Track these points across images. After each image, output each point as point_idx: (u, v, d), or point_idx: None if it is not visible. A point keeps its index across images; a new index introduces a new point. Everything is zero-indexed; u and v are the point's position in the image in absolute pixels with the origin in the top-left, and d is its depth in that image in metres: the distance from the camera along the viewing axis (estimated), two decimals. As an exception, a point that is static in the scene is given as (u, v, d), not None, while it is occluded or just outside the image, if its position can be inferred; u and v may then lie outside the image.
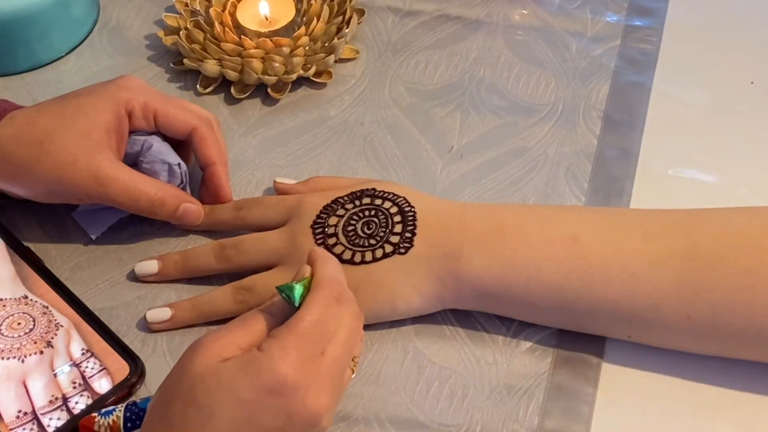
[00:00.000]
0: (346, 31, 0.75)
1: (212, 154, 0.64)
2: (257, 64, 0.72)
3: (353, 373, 0.54)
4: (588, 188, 0.67)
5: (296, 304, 0.50)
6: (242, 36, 0.74)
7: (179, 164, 0.63)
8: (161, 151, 0.63)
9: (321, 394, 0.48)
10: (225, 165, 0.65)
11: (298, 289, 0.50)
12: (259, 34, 0.74)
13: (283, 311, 0.50)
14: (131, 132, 0.63)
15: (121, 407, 0.54)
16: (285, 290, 0.50)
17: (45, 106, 0.62)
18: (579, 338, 0.58)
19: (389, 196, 0.61)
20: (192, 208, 0.63)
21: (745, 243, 0.54)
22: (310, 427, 0.48)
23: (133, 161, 0.63)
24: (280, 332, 0.48)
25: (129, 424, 0.53)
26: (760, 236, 0.54)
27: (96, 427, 0.54)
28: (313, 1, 0.77)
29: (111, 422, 0.54)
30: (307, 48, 0.74)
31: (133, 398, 0.56)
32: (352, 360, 0.53)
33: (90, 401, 0.56)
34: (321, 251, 0.53)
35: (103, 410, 0.54)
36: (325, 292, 0.50)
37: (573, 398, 0.57)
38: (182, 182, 0.64)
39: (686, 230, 0.55)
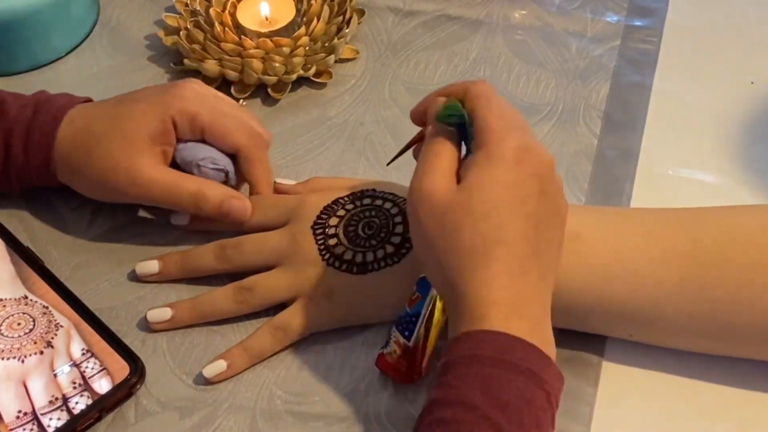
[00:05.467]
0: (346, 31, 0.75)
1: (256, 175, 0.63)
2: (257, 64, 0.72)
3: None
4: (588, 188, 0.67)
5: (464, 114, 0.53)
6: (242, 36, 0.74)
7: (226, 171, 0.63)
8: (204, 148, 0.63)
9: (543, 147, 0.53)
10: (269, 186, 0.64)
11: (456, 104, 0.54)
12: (259, 34, 0.74)
13: (451, 132, 0.54)
14: (186, 140, 0.63)
15: (393, 330, 0.56)
16: (446, 111, 0.53)
17: (102, 109, 0.63)
18: (579, 338, 0.58)
19: (390, 197, 0.62)
20: (237, 203, 0.62)
21: (745, 240, 0.54)
22: (552, 175, 0.52)
23: (186, 166, 0.63)
24: (486, 126, 0.52)
25: (407, 333, 0.55)
26: (761, 234, 0.54)
27: (389, 359, 0.56)
28: (313, 1, 0.77)
29: (395, 344, 0.56)
30: (307, 48, 0.74)
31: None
32: None
33: (90, 401, 0.56)
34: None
35: (383, 345, 0.57)
36: (487, 91, 0.54)
37: (573, 398, 0.57)
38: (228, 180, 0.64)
39: (687, 228, 0.55)
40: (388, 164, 0.62)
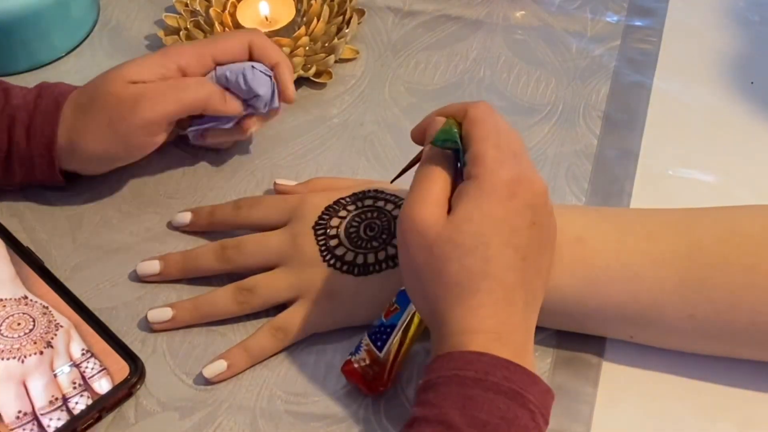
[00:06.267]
0: (346, 31, 0.75)
1: (273, 55, 0.65)
2: (257, 64, 0.72)
3: None
4: (588, 188, 0.67)
5: (458, 141, 0.53)
6: (242, 36, 0.74)
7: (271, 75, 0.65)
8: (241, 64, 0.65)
9: (538, 176, 0.52)
10: (288, 65, 0.66)
11: (453, 127, 0.53)
12: (259, 34, 0.74)
13: (447, 157, 0.53)
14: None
15: (364, 338, 0.56)
16: (442, 136, 0.53)
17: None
18: (579, 338, 0.58)
19: (391, 198, 0.62)
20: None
21: (746, 241, 0.54)
22: (545, 204, 0.52)
23: (234, 77, 0.64)
24: (479, 155, 0.51)
25: (379, 343, 0.55)
26: (762, 234, 0.54)
27: (356, 366, 0.55)
28: (313, 2, 0.77)
29: (365, 353, 0.55)
30: (307, 48, 0.74)
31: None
32: None
33: (90, 401, 0.56)
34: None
35: (352, 351, 0.56)
36: (485, 115, 0.53)
37: (573, 398, 0.57)
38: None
39: (688, 229, 0.55)
40: (392, 181, 0.61)
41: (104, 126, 0.62)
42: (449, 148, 0.53)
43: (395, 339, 0.55)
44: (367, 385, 0.56)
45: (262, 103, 0.64)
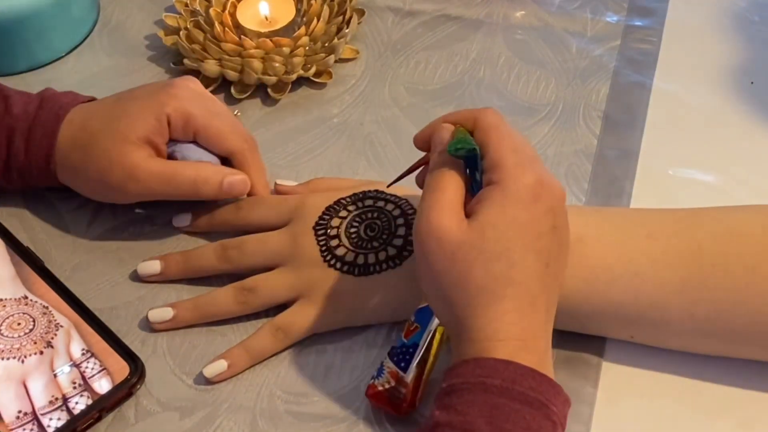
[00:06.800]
0: (346, 31, 0.75)
1: (253, 177, 0.63)
2: (257, 64, 0.72)
3: None
4: (588, 188, 0.67)
5: (476, 147, 0.52)
6: (242, 36, 0.74)
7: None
8: (196, 149, 0.63)
9: (556, 179, 0.52)
10: (266, 187, 0.65)
11: (466, 135, 0.53)
12: (259, 34, 0.74)
13: (457, 164, 0.52)
14: (175, 140, 0.63)
15: (386, 360, 0.55)
16: (457, 144, 0.52)
17: (100, 107, 0.63)
18: (579, 338, 0.58)
19: (392, 198, 0.61)
20: (237, 179, 0.62)
21: (747, 241, 0.54)
22: (563, 208, 0.52)
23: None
24: (500, 161, 0.51)
25: (402, 364, 0.54)
26: (763, 234, 0.54)
27: (380, 389, 0.55)
28: (313, 1, 0.77)
29: (389, 375, 0.55)
30: (307, 48, 0.74)
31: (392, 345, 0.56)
32: None
33: (90, 401, 0.56)
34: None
35: (374, 375, 0.55)
36: (497, 121, 0.53)
37: (573, 398, 0.56)
38: None
39: (689, 229, 0.55)
40: (388, 186, 0.61)
41: (95, 181, 0.62)
42: (462, 156, 0.52)
43: (419, 358, 0.54)
44: (394, 407, 0.55)
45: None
